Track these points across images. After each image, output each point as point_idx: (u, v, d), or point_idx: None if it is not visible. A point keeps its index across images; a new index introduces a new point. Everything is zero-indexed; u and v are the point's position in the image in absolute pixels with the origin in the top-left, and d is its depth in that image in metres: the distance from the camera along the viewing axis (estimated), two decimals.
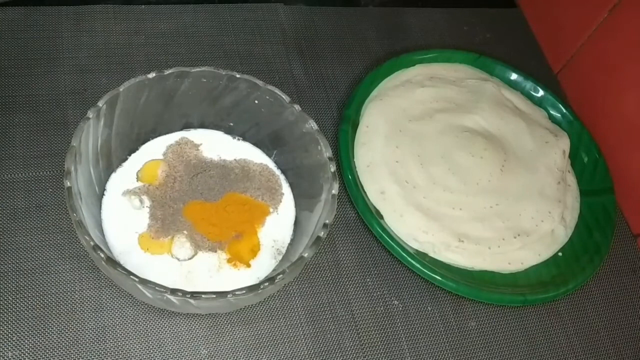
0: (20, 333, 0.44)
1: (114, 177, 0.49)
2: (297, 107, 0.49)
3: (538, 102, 0.66)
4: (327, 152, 0.47)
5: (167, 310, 0.46)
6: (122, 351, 0.44)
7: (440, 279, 0.50)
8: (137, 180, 0.49)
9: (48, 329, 0.44)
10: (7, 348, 0.43)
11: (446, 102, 0.62)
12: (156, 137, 0.52)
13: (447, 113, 0.61)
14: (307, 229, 0.48)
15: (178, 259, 0.46)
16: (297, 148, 0.51)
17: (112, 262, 0.39)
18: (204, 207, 0.49)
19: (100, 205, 0.48)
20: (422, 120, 0.60)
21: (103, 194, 0.48)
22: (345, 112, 0.58)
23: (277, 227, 0.50)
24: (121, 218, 0.47)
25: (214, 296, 0.39)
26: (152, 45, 0.60)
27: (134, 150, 0.51)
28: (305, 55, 0.64)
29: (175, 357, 0.45)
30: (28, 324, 0.44)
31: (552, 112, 0.65)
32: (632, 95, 0.61)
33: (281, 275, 0.41)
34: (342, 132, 0.57)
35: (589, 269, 0.54)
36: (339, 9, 0.69)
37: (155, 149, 0.52)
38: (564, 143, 0.62)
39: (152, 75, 0.46)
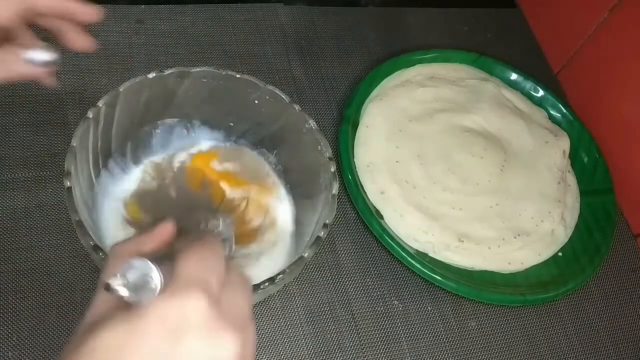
0: (20, 333, 0.44)
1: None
2: (297, 107, 0.49)
3: (538, 102, 0.66)
4: (327, 152, 0.47)
5: None
6: None
7: (440, 279, 0.50)
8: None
9: (48, 329, 0.44)
10: (7, 348, 0.43)
11: (446, 102, 0.62)
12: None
13: (447, 113, 0.61)
14: (307, 229, 0.48)
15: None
16: (297, 148, 0.50)
17: None
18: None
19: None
20: (422, 120, 0.60)
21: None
22: (345, 112, 0.58)
23: (277, 227, 0.50)
24: (121, 218, 0.47)
25: None
26: (152, 45, 0.60)
27: None
28: (305, 55, 0.64)
29: None
30: (28, 324, 0.44)
31: (552, 112, 0.65)
32: (632, 95, 0.61)
33: (281, 275, 0.41)
34: (342, 132, 0.57)
35: (589, 269, 0.54)
36: (339, 9, 0.69)
37: None
38: (564, 143, 0.62)
39: (152, 75, 0.46)
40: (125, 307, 0.27)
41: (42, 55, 0.37)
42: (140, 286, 0.27)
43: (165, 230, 0.34)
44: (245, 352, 0.28)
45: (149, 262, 0.27)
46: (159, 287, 0.27)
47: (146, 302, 0.26)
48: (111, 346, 0.25)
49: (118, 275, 0.27)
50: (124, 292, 0.26)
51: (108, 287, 0.27)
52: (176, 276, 0.28)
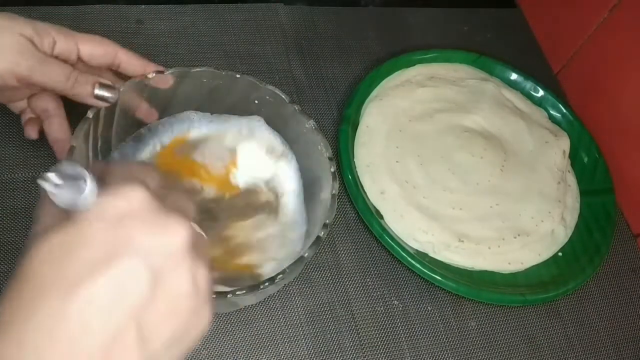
0: None
1: None
2: (297, 107, 0.49)
3: (538, 102, 0.66)
4: (327, 152, 0.47)
5: None
6: None
7: (440, 279, 0.50)
8: None
9: None
10: None
11: (446, 102, 0.62)
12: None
13: (447, 113, 0.61)
14: (307, 229, 0.48)
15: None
16: (297, 148, 0.51)
17: None
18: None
19: None
20: (422, 120, 0.60)
21: None
22: (345, 112, 0.58)
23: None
24: None
25: (214, 296, 0.39)
26: (152, 45, 0.60)
27: None
28: (305, 55, 0.64)
29: None
30: None
31: (552, 112, 0.65)
32: (632, 95, 0.61)
33: (281, 275, 0.41)
34: (342, 132, 0.57)
35: (589, 269, 0.54)
36: (339, 9, 0.69)
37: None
38: (564, 143, 0.62)
39: (152, 75, 0.46)
40: (65, 219, 0.26)
41: (107, 94, 0.43)
42: (73, 185, 0.26)
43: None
44: (198, 243, 0.27)
45: (78, 165, 0.27)
46: (95, 190, 0.26)
47: (84, 206, 0.26)
48: (53, 249, 0.25)
49: (50, 171, 0.26)
50: (56, 180, 0.26)
51: (43, 178, 0.26)
52: (109, 179, 0.27)
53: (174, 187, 0.30)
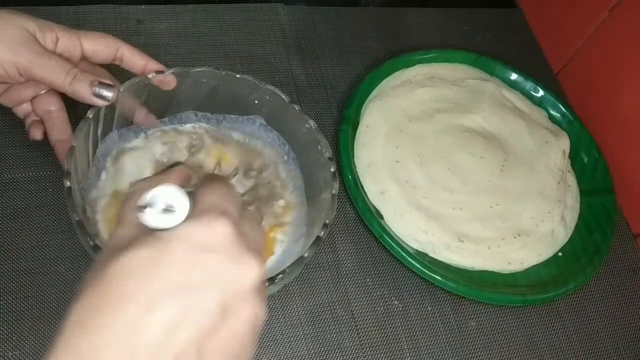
0: (20, 333, 0.44)
1: None
2: (297, 107, 0.49)
3: (538, 102, 0.66)
4: (327, 152, 0.47)
5: None
6: None
7: (440, 279, 0.50)
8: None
9: (48, 329, 0.44)
10: (8, 348, 0.43)
11: (446, 102, 0.62)
12: None
13: (447, 113, 0.61)
14: (307, 229, 0.48)
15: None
16: (297, 148, 0.51)
17: None
18: None
19: None
20: (422, 120, 0.60)
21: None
22: (345, 112, 0.58)
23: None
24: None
25: None
26: (152, 45, 0.60)
27: None
28: (305, 55, 0.64)
29: None
30: (28, 324, 0.44)
31: (552, 112, 0.65)
32: (632, 95, 0.61)
33: (281, 275, 0.41)
34: (342, 132, 0.57)
35: (589, 269, 0.54)
36: (339, 9, 0.69)
37: None
38: (564, 143, 0.62)
39: (152, 75, 0.46)
40: (149, 234, 0.27)
41: (106, 93, 0.43)
42: (168, 210, 0.27)
43: (183, 170, 0.35)
44: (262, 284, 0.28)
45: (177, 187, 0.28)
46: (187, 212, 0.28)
47: (172, 227, 0.27)
48: (138, 264, 0.26)
49: (149, 197, 0.28)
50: (156, 213, 0.27)
51: (141, 209, 0.27)
52: (199, 204, 0.29)
53: (245, 211, 0.32)
